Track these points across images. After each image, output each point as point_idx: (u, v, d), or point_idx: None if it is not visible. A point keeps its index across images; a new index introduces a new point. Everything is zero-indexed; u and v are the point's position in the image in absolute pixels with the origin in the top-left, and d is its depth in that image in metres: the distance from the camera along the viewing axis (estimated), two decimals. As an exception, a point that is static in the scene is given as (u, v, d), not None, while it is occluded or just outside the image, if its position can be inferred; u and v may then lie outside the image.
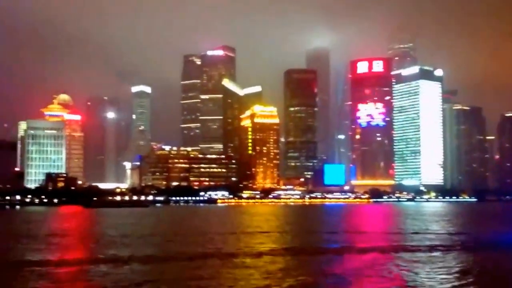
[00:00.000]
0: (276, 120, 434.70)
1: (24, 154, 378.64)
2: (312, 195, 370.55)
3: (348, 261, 40.94)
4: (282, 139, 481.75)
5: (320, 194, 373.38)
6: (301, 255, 43.12)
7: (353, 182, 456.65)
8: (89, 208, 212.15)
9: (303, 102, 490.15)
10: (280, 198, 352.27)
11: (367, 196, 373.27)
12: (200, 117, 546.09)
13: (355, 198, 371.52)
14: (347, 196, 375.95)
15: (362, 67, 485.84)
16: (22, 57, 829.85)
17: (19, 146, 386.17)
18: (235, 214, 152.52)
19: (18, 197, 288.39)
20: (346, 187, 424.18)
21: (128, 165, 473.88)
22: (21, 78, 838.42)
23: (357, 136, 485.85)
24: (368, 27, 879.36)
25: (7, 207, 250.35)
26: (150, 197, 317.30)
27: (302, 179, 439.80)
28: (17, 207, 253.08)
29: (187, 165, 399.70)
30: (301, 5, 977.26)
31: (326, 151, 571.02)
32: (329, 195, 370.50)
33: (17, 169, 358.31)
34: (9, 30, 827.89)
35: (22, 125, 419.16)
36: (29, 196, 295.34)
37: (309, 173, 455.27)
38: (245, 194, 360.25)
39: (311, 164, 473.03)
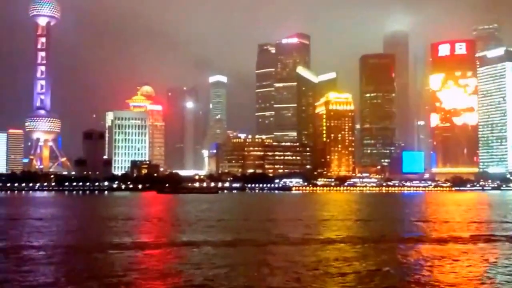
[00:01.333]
0: (351, 107, 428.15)
1: (111, 143, 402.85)
2: (389, 183, 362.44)
3: (426, 250, 39.96)
4: (358, 126, 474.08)
5: (398, 182, 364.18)
6: (376, 243, 42.79)
7: (434, 170, 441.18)
8: (162, 194, 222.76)
9: (379, 88, 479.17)
10: (355, 186, 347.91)
11: (448, 184, 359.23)
12: (275, 105, 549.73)
13: (435, 186, 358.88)
14: (427, 185, 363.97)
15: (443, 50, 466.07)
16: (109, 51, 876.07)
17: (107, 135, 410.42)
18: (309, 201, 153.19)
19: (106, 183, 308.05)
20: (426, 175, 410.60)
21: (206, 152, 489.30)
22: (108, 71, 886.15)
23: (439, 122, 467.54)
24: (450, 7, 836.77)
25: (96, 192, 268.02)
26: (227, 184, 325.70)
27: (378, 167, 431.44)
28: (105, 192, 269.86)
29: (262, 153, 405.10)
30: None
31: (405, 137, 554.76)
32: (408, 183, 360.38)
33: (105, 157, 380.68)
34: (97, 26, 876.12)
35: (109, 116, 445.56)
36: (116, 182, 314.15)
37: (386, 160, 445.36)
38: (320, 181, 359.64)
39: (388, 151, 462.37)
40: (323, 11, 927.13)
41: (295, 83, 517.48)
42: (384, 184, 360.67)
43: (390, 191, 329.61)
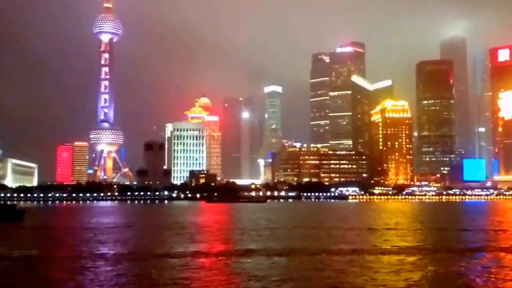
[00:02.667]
0: (408, 114, 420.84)
1: (171, 153, 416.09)
2: (449, 191, 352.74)
3: (485, 261, 39.53)
4: (415, 134, 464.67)
5: (458, 190, 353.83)
6: (432, 254, 41.99)
7: (496, 177, 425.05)
8: (211, 203, 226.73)
9: (437, 95, 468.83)
10: (414, 195, 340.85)
11: (511, 192, 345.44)
12: (329, 114, 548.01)
13: (498, 194, 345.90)
14: (489, 193, 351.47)
15: (503, 55, 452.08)
16: (167, 65, 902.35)
17: (166, 146, 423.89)
18: (367, 210, 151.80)
19: (166, 192, 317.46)
20: (488, 183, 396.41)
21: (261, 162, 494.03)
22: (167, 84, 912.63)
23: (500, 129, 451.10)
24: (508, 11, 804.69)
25: (157, 201, 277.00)
26: (283, 193, 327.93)
27: (438, 175, 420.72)
28: (165, 201, 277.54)
29: (317, 162, 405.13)
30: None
31: (465, 145, 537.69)
32: (469, 192, 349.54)
33: (165, 167, 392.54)
34: (155, 41, 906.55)
35: (169, 127, 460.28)
36: (175, 191, 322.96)
37: (446, 168, 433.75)
38: (377, 190, 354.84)
39: (447, 159, 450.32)
40: (378, 18, 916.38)
41: (349, 92, 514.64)
42: (444, 192, 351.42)
43: (450, 199, 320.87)
